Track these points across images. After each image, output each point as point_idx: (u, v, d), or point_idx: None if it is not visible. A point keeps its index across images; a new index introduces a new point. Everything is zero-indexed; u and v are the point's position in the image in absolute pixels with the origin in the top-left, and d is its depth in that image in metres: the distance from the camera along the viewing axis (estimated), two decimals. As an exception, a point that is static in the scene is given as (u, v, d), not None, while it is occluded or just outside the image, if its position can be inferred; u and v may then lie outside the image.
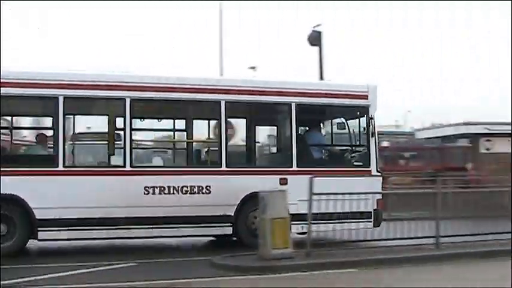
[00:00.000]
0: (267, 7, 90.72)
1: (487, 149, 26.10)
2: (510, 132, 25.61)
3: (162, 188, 14.28)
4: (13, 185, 13.21)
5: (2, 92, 13.49)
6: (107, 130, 15.38)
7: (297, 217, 13.63)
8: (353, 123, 16.50)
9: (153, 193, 14.29)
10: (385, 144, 29.47)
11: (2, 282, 10.34)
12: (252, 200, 14.22)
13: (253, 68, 42.80)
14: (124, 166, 14.32)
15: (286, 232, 12.86)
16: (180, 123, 16.96)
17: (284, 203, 12.94)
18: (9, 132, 15.93)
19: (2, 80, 13.46)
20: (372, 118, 15.97)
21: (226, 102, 15.09)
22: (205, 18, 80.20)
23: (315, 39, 26.32)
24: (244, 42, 73.79)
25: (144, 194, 14.21)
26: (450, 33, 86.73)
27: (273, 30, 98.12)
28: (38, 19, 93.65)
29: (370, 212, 15.43)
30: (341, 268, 12.38)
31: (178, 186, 14.46)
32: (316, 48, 26.53)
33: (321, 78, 25.35)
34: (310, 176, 13.11)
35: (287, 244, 12.83)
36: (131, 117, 14.50)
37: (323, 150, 16.67)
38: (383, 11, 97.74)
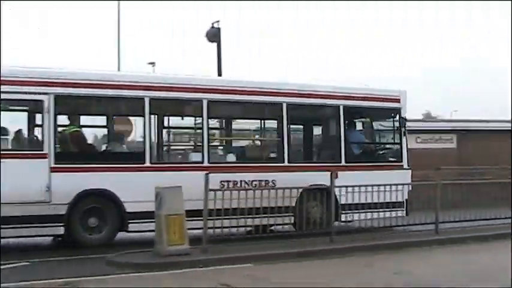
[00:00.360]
0: (167, 6, 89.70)
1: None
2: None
3: (235, 182, 15.32)
4: (104, 180, 14.28)
5: (102, 92, 15.01)
6: (187, 129, 17.57)
7: (346, 207, 15.93)
8: (388, 124, 18.65)
9: (228, 187, 15.14)
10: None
11: None
12: (309, 192, 15.71)
13: (152, 63, 42.64)
14: (202, 162, 15.53)
15: (182, 228, 12.86)
16: (249, 124, 19.20)
17: (180, 199, 12.94)
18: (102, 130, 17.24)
19: (101, 82, 15.00)
20: (404, 119, 18.08)
21: (287, 104, 16.64)
22: (102, 14, 78.65)
23: (214, 35, 26.36)
24: (143, 38, 72.92)
25: (220, 187, 14.80)
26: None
27: (173, 26, 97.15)
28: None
29: (403, 202, 16.86)
30: (236, 263, 12.50)
31: (249, 181, 15.59)
32: (215, 44, 26.61)
33: (219, 74, 25.39)
34: (358, 170, 16.42)
35: (183, 240, 12.84)
36: (208, 118, 15.91)
37: (364, 147, 18.57)
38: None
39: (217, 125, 17.95)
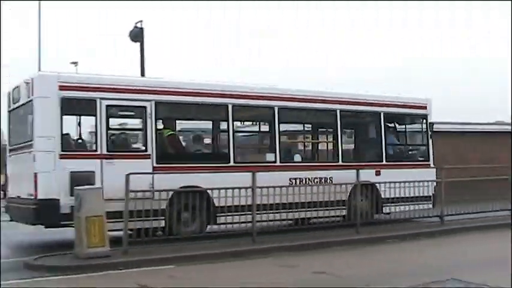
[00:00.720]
0: (89, 6, 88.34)
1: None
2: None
3: (301, 179, 17.10)
4: (197, 178, 15.42)
5: (194, 100, 16.52)
6: (262, 133, 19.74)
7: (388, 200, 17.85)
8: (417, 127, 21.10)
9: (295, 183, 17.07)
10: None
11: None
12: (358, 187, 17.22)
13: (75, 63, 42.13)
14: (275, 162, 17.24)
15: (103, 230, 12.62)
16: (311, 127, 21.08)
17: (100, 201, 12.70)
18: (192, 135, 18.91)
19: (193, 90, 16.53)
20: (431, 123, 20.43)
21: (340, 111, 18.70)
22: (23, 14, 77.02)
23: (137, 35, 26.19)
24: (65, 38, 71.78)
25: (289, 183, 16.80)
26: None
27: (96, 26, 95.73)
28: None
29: (430, 196, 19.28)
30: (158, 265, 12.35)
31: (312, 177, 17.48)
32: (138, 44, 26.45)
33: (142, 74, 25.21)
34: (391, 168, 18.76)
35: (103, 242, 12.61)
36: (279, 123, 17.57)
37: (400, 149, 20.86)
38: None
39: (285, 129, 19.32)
